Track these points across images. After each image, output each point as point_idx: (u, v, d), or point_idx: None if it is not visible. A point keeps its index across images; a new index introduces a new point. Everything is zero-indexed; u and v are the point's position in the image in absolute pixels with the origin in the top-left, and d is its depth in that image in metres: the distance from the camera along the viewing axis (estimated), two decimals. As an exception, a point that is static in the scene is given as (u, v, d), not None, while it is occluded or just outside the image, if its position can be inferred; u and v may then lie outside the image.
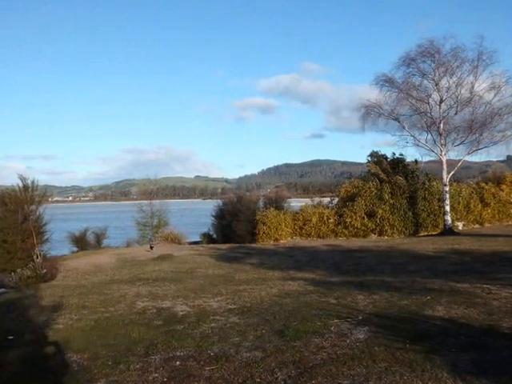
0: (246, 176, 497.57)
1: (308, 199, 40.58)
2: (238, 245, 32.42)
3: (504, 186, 39.45)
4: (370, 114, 33.88)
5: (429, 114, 32.92)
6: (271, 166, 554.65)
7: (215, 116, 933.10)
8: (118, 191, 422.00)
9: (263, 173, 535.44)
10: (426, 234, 34.35)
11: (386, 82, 33.54)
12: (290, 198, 45.39)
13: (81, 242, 36.32)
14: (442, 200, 33.59)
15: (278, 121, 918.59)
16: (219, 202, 41.20)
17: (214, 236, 39.52)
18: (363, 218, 34.78)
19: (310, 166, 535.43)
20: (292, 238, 34.85)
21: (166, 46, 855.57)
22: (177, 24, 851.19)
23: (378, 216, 34.54)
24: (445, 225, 32.80)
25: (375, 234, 34.70)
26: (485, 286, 12.67)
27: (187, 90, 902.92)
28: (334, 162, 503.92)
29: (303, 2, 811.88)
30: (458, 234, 31.50)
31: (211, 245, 34.67)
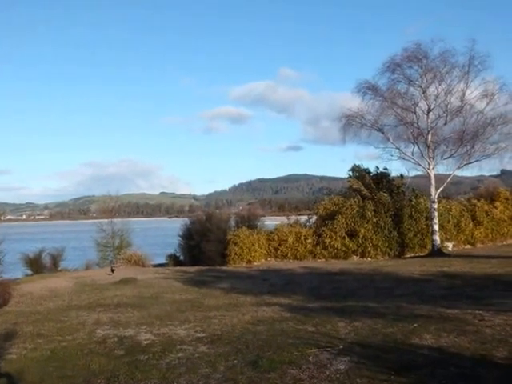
0: (215, 192, 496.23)
1: (284, 217, 40.57)
2: (207, 267, 32.32)
3: (498, 203, 39.80)
4: (351, 125, 33.95)
5: (415, 125, 33.10)
6: (243, 181, 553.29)
7: (182, 127, 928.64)
8: (76, 209, 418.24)
9: (235, 189, 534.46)
10: (412, 255, 34.53)
11: (369, 89, 33.67)
12: (263, 216, 45.39)
13: (35, 265, 35.94)
14: (429, 218, 33.67)
15: (252, 132, 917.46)
16: (186, 220, 41.09)
17: (181, 258, 39.41)
18: (344, 237, 34.85)
19: (285, 182, 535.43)
20: (266, 259, 34.87)
21: (126, 50, 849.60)
22: (140, 26, 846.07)
23: (360, 236, 34.64)
24: (433, 245, 32.87)
25: (357, 255, 34.81)
26: (477, 312, 12.79)
27: (151, 99, 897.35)
28: (312, 176, 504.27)
29: (279, 3, 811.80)
30: (448, 255, 31.60)
31: (178, 267, 34.50)
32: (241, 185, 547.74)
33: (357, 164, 38.24)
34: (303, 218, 39.48)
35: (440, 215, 34.32)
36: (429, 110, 32.80)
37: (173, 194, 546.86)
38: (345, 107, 34.57)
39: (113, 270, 30.35)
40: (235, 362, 9.49)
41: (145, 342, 11.54)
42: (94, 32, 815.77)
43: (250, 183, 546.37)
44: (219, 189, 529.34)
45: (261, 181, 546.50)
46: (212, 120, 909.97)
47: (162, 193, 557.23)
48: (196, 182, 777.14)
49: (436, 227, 32.80)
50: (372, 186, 36.17)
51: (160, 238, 74.82)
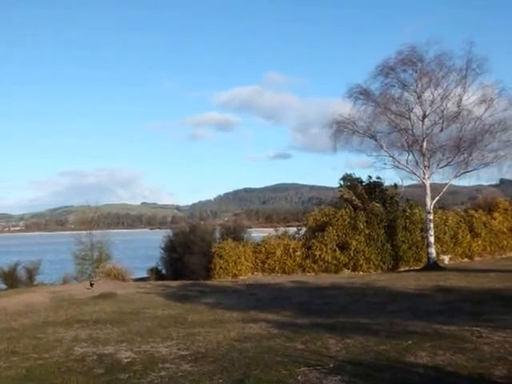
0: (200, 202, 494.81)
1: (271, 229, 40.61)
2: (190, 281, 32.24)
3: (496, 214, 39.88)
4: (342, 132, 33.98)
5: (410, 131, 33.21)
6: (229, 190, 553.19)
7: (165, 134, 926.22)
8: (53, 220, 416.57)
9: (220, 199, 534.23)
10: (406, 268, 34.58)
11: (361, 94, 33.72)
12: (250, 227, 45.44)
13: (10, 279, 35.89)
14: (425, 230, 33.74)
15: (238, 139, 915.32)
16: (169, 232, 41.03)
17: (164, 271, 39.32)
18: (335, 250, 34.88)
19: (273, 191, 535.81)
20: (253, 273, 34.86)
21: (106, 52, 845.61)
22: (121, 26, 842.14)
23: (352, 248, 34.68)
24: (428, 258, 32.91)
25: (348, 268, 34.84)
26: (474, 328, 12.83)
27: (132, 104, 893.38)
28: (302, 186, 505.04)
29: (266, 4, 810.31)
30: (444, 268, 31.67)
31: (160, 281, 34.44)
32: (226, 195, 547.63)
33: (348, 173, 38.33)
34: (292, 230, 39.49)
35: (436, 227, 34.39)
36: (424, 116, 32.89)
37: (155, 204, 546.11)
38: (336, 113, 34.65)
39: (91, 285, 30.28)
40: (220, 381, 9.49)
41: (125, 360, 11.51)
42: (83, 33, 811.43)
43: (236, 193, 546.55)
44: (204, 199, 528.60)
45: (247, 190, 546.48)
46: (197, 127, 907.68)
47: (143, 203, 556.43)
48: (179, 192, 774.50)
49: (431, 239, 32.83)
50: (364, 195, 36.23)
51: (141, 250, 74.77)
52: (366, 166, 37.74)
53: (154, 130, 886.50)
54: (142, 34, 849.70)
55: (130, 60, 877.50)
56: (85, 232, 42.91)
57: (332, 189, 47.49)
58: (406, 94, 33.36)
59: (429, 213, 32.90)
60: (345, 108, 34.22)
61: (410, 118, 33.22)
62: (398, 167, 34.17)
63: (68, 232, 55.70)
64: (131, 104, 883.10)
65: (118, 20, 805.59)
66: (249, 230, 41.91)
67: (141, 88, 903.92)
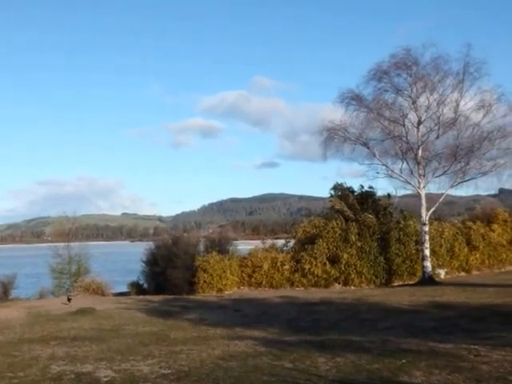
0: (183, 213, 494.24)
1: (258, 241, 40.58)
2: (173, 296, 32.20)
3: (495, 226, 39.93)
4: (333, 139, 33.99)
5: (404, 139, 33.22)
6: (214, 201, 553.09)
7: (147, 141, 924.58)
8: (29, 231, 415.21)
9: (204, 209, 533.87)
10: (400, 283, 34.61)
11: (353, 99, 33.72)
12: (236, 239, 45.51)
13: (-17, 294, 35.72)
14: (420, 242, 33.75)
15: (223, 146, 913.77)
16: (151, 244, 40.96)
17: (145, 286, 39.22)
18: (325, 264, 34.87)
19: (260, 202, 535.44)
20: (239, 288, 34.83)
21: (86, 55, 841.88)
22: (100, 29, 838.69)
23: (343, 262, 34.67)
24: (424, 272, 32.86)
25: (339, 283, 34.84)
26: (472, 346, 12.87)
27: (112, 109, 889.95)
28: (290, 196, 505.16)
29: (253, 5, 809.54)
30: (440, 283, 31.71)
31: (141, 296, 34.35)
32: (211, 205, 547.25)
33: (339, 182, 38.38)
34: (280, 242, 39.46)
35: (431, 239, 34.40)
36: (419, 123, 32.95)
37: (136, 215, 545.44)
38: (326, 119, 34.57)
39: (69, 300, 30.23)
40: (204, 401, 9.49)
41: (104, 379, 11.50)
42: (62, 34, 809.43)
43: (221, 203, 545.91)
44: (187, 209, 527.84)
45: (233, 201, 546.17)
46: (180, 133, 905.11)
47: (124, 214, 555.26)
48: (162, 202, 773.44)
49: (427, 252, 32.78)
50: (356, 206, 36.27)
51: (121, 263, 74.62)
52: (358, 175, 37.73)
53: (134, 137, 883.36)
54: (122, 37, 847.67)
55: (108, 63, 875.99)
56: (62, 244, 42.74)
57: (322, 199, 47.76)
58: (400, 99, 33.45)
59: (424, 224, 32.87)
60: (336, 114, 34.24)
61: (404, 125, 33.22)
62: (391, 176, 34.24)
63: (45, 244, 55.40)
64: (110, 109, 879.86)
65: (96, 22, 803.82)
66: (235, 242, 41.94)
67: (122, 93, 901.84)
